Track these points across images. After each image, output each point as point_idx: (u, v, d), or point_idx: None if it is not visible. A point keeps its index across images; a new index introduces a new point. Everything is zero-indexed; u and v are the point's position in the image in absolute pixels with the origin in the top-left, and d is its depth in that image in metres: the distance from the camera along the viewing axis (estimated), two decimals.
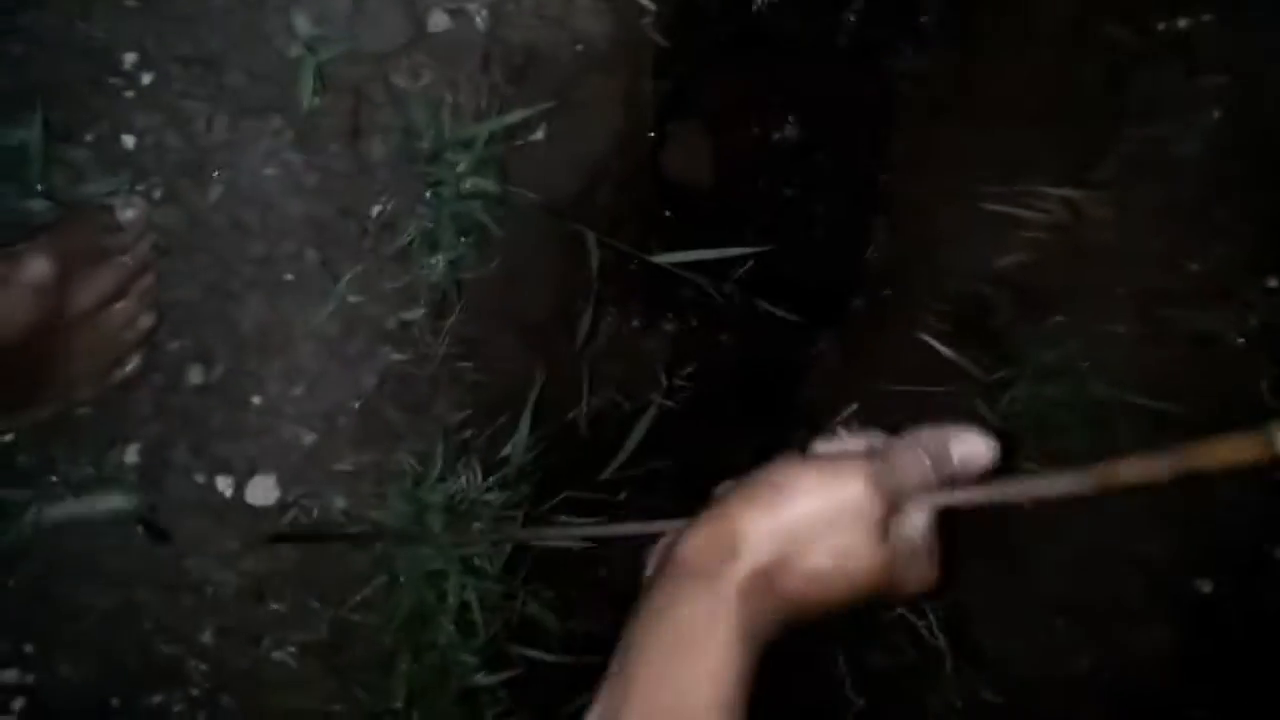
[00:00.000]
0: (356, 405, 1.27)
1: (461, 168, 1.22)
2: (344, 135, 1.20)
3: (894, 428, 0.64)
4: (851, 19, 1.49)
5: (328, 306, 1.22)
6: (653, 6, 1.36)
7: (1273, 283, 1.25)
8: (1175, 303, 1.28)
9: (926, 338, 1.44)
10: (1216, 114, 1.25)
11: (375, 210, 1.23)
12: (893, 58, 1.50)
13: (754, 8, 1.46)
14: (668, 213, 1.46)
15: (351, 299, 1.21)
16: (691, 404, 1.50)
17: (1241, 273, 1.25)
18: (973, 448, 0.61)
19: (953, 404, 1.39)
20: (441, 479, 1.24)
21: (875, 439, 0.64)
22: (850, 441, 0.64)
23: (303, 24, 1.12)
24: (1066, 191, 1.36)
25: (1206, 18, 1.24)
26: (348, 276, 1.22)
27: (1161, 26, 1.28)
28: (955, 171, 1.47)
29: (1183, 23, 1.26)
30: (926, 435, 0.61)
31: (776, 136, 1.51)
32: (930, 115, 1.49)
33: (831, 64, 1.52)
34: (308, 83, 1.12)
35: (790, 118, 1.50)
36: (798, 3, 1.49)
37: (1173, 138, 1.27)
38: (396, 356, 1.23)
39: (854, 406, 1.48)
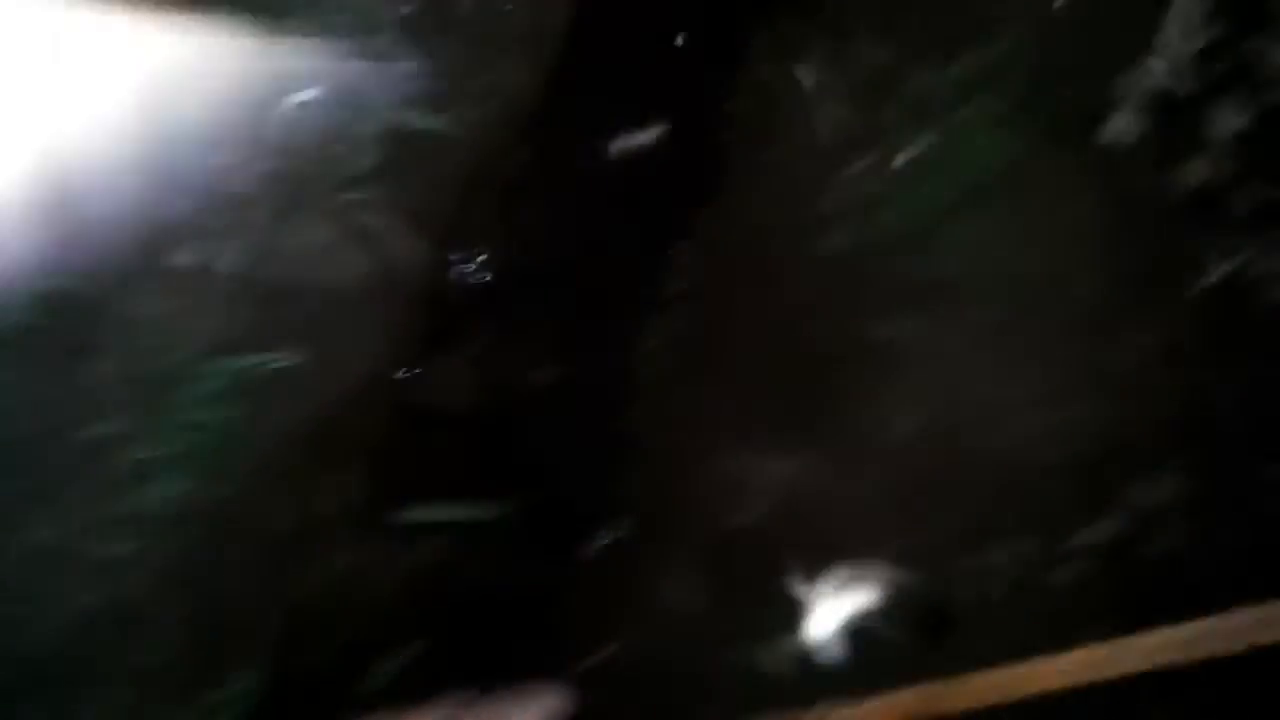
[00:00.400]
0: (50, 648, 1.15)
1: (192, 397, 1.19)
2: (61, 352, 1.15)
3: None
4: (606, 276, 1.59)
5: (25, 534, 1.12)
6: (415, 251, 1.41)
7: (970, 563, 1.38)
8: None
9: (667, 588, 1.46)
10: (915, 413, 1.41)
11: (89, 434, 1.16)
12: (645, 316, 1.60)
13: (514, 253, 1.54)
14: (419, 449, 1.45)
15: (48, 532, 1.11)
16: (439, 644, 1.43)
17: (942, 554, 1.37)
18: (544, 711, 0.67)
19: (690, 659, 1.41)
20: None
21: (455, 708, 0.69)
22: (432, 713, 0.69)
23: None
24: (796, 460, 1.46)
25: (907, 330, 1.43)
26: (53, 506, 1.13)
27: (871, 331, 1.45)
28: (699, 428, 1.55)
29: (887, 331, 1.44)
30: (501, 702, 0.67)
31: (535, 377, 1.56)
32: (678, 374, 1.58)
33: (589, 313, 1.60)
34: (25, 298, 1.07)
35: (550, 359, 1.56)
36: (559, 253, 1.57)
37: (883, 429, 1.42)
38: (94, 597, 1.12)
39: (611, 648, 1.47)
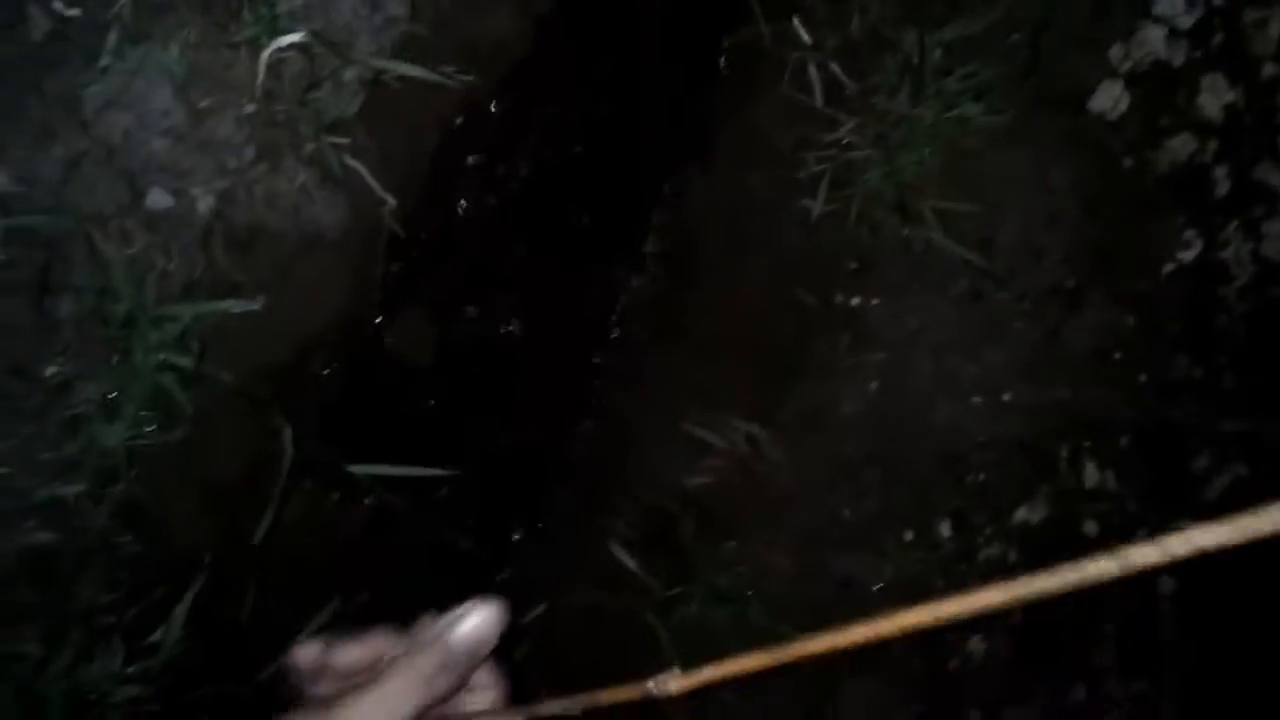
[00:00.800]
0: None
1: (158, 339, 1.19)
2: (27, 289, 1.14)
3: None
4: (582, 233, 1.59)
5: None
6: (392, 200, 1.39)
7: (909, 536, 1.41)
8: (828, 545, 1.42)
9: (614, 547, 1.50)
10: (874, 385, 1.42)
11: (50, 371, 1.16)
12: (619, 276, 1.60)
13: (489, 206, 1.53)
14: (379, 401, 1.45)
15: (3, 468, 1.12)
16: (368, 610, 1.44)
17: (884, 525, 1.40)
18: (478, 625, 0.59)
19: (629, 618, 1.45)
20: (71, 667, 1.14)
21: (390, 641, 0.62)
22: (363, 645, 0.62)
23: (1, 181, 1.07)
24: (753, 428, 1.48)
25: (875, 301, 1.42)
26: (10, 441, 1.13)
27: (839, 300, 1.45)
28: (661, 389, 1.57)
29: (855, 300, 1.44)
30: (430, 629, 0.60)
31: (501, 330, 1.56)
32: (647, 334, 1.59)
33: (561, 271, 1.60)
34: None
35: (516, 315, 1.56)
36: (536, 208, 1.56)
37: (840, 399, 1.43)
38: (41, 535, 1.14)
39: (541, 608, 1.51)
